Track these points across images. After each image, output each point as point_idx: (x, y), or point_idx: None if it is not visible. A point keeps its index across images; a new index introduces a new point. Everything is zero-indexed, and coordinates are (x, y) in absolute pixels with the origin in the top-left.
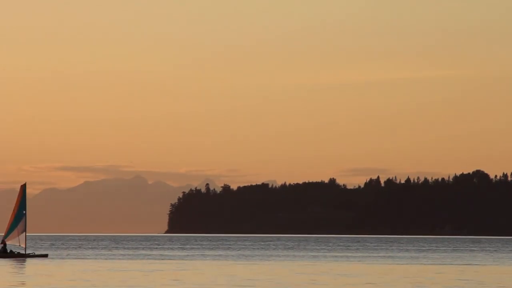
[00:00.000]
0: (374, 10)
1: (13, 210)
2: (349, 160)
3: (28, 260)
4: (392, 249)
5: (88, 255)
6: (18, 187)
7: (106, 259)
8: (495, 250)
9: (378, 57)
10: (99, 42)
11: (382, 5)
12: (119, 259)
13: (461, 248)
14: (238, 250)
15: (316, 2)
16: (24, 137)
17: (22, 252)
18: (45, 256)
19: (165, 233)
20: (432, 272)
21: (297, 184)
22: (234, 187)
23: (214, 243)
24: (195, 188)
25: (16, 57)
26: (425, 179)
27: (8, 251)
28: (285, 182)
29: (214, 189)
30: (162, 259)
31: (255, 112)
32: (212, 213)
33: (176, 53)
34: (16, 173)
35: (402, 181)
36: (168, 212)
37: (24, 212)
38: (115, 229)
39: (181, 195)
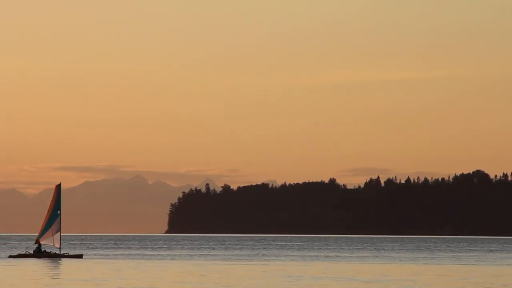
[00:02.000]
0: (374, 10)
1: (48, 210)
2: (349, 160)
3: (65, 260)
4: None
5: (122, 255)
6: (18, 187)
7: (149, 259)
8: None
9: (378, 57)
10: (99, 42)
11: (381, 5)
12: (160, 259)
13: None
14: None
15: (316, 2)
16: (25, 137)
17: (57, 252)
18: (80, 256)
19: (165, 233)
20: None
21: (297, 184)
22: (234, 187)
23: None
24: (195, 188)
25: (16, 58)
26: (425, 179)
27: (43, 251)
28: (285, 182)
29: (214, 189)
30: (212, 259)
31: (255, 112)
32: (212, 213)
33: (176, 53)
34: (16, 173)
35: (402, 181)
36: (168, 212)
37: (58, 212)
38: (115, 229)
39: (181, 195)
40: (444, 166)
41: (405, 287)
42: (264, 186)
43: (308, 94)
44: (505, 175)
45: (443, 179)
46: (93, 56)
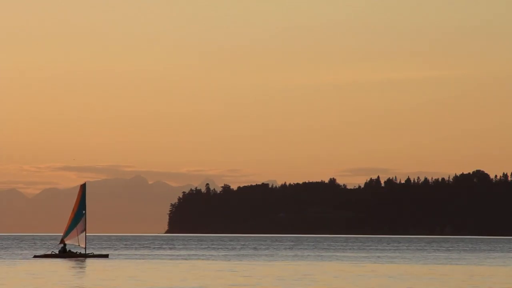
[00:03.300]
0: (374, 11)
1: (73, 210)
2: (349, 160)
3: (92, 260)
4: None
5: (148, 255)
6: (19, 187)
7: (179, 259)
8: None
9: (378, 57)
10: (99, 42)
11: (381, 5)
12: (189, 259)
13: None
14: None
15: (315, 2)
16: (25, 137)
17: (82, 252)
18: (106, 256)
19: (165, 233)
20: None
21: (297, 184)
22: (234, 187)
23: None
24: (195, 188)
25: (16, 58)
26: (425, 179)
27: (67, 251)
28: (285, 182)
29: (214, 189)
30: (241, 260)
31: (255, 112)
32: (212, 213)
33: (177, 53)
34: (17, 173)
35: (402, 181)
36: (168, 212)
37: (83, 212)
38: (115, 229)
39: (181, 195)
40: (444, 166)
41: None
42: (264, 186)
43: (308, 94)
44: (505, 175)
45: (443, 179)
46: (93, 56)
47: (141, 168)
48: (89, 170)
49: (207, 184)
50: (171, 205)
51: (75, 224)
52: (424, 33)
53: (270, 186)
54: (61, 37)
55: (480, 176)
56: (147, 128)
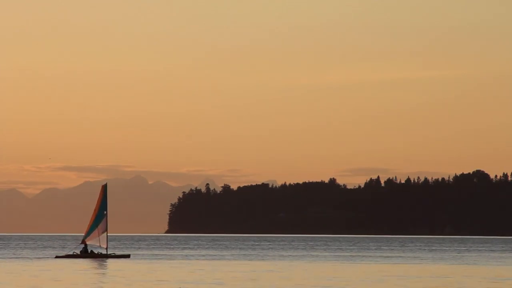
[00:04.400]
0: (373, 11)
1: (94, 210)
2: (349, 160)
3: (114, 260)
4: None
5: (169, 255)
6: (19, 187)
7: (202, 259)
8: None
9: (378, 57)
10: (99, 42)
11: (381, 5)
12: (211, 259)
13: None
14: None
15: (315, 2)
16: (25, 137)
17: (104, 252)
18: (127, 256)
19: (165, 233)
20: None
21: (297, 184)
22: (234, 187)
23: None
24: (195, 188)
25: (16, 57)
26: (425, 179)
27: (89, 251)
28: (285, 182)
29: (214, 189)
30: (269, 260)
31: (255, 112)
32: (212, 213)
33: (177, 53)
34: (17, 173)
35: (402, 181)
36: (168, 212)
37: (105, 212)
38: (115, 229)
39: (181, 195)
40: (444, 166)
41: None
42: (264, 186)
43: (308, 94)
44: (505, 175)
45: (443, 179)
46: (94, 56)
47: (141, 168)
48: (89, 170)
49: (207, 184)
50: (171, 205)
51: (97, 225)
52: (424, 33)
53: (270, 186)
54: (61, 37)
55: (480, 176)
56: (147, 128)
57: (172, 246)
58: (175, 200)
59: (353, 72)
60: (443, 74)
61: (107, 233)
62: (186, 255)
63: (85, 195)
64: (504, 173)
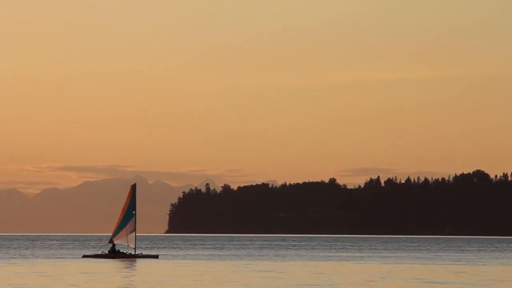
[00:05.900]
0: (373, 11)
1: (122, 210)
2: (349, 160)
3: (143, 260)
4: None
5: (198, 256)
6: (19, 187)
7: (230, 259)
8: None
9: (377, 57)
10: (99, 42)
11: (380, 5)
12: (236, 260)
13: None
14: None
15: (315, 2)
16: (25, 137)
17: (132, 252)
18: (156, 257)
19: (165, 233)
20: None
21: (297, 184)
22: (234, 187)
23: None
24: (195, 188)
25: (16, 57)
26: (425, 179)
27: (116, 250)
28: (285, 182)
29: (214, 189)
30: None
31: (255, 112)
32: (212, 213)
33: (177, 53)
34: (17, 173)
35: (402, 181)
36: (168, 212)
37: (133, 212)
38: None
39: (181, 195)
40: (444, 166)
41: None
42: (264, 186)
43: (308, 94)
44: (505, 175)
45: (443, 179)
46: (93, 56)
47: (141, 168)
48: (89, 170)
49: (207, 184)
50: (171, 205)
51: (125, 224)
52: (423, 33)
53: (270, 186)
54: (61, 37)
55: (480, 176)
56: (147, 128)
57: (192, 246)
58: (175, 200)
59: (353, 72)
60: (443, 74)
61: (135, 233)
62: (211, 255)
63: (85, 195)
64: (504, 173)
